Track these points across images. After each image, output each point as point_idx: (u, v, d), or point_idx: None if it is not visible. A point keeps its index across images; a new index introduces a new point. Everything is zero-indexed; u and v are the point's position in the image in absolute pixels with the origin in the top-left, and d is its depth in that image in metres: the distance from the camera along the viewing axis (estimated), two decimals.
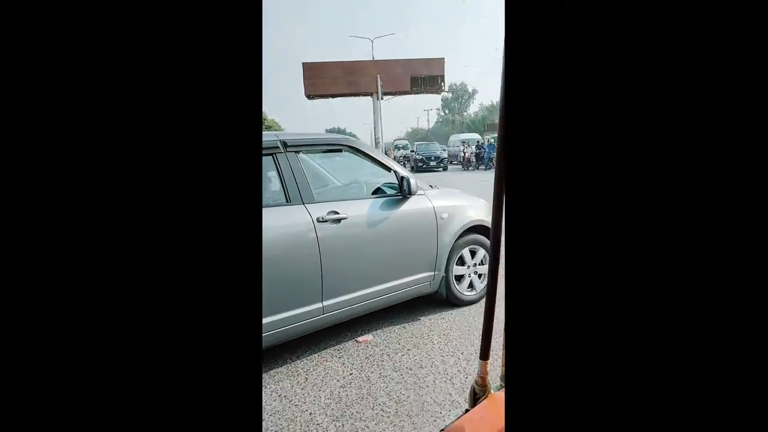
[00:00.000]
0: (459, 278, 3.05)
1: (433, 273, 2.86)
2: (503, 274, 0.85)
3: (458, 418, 0.95)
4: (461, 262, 3.03)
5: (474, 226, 3.01)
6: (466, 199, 3.14)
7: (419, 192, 2.83)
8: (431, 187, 3.03)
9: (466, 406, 1.04)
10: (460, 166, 20.58)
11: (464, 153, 20.29)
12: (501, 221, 0.88)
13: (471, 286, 3.12)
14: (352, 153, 2.77)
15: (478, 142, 20.63)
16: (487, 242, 3.08)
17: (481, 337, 1.02)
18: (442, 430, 0.91)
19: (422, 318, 2.98)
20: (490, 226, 2.99)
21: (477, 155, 19.44)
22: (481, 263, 3.12)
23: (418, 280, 2.80)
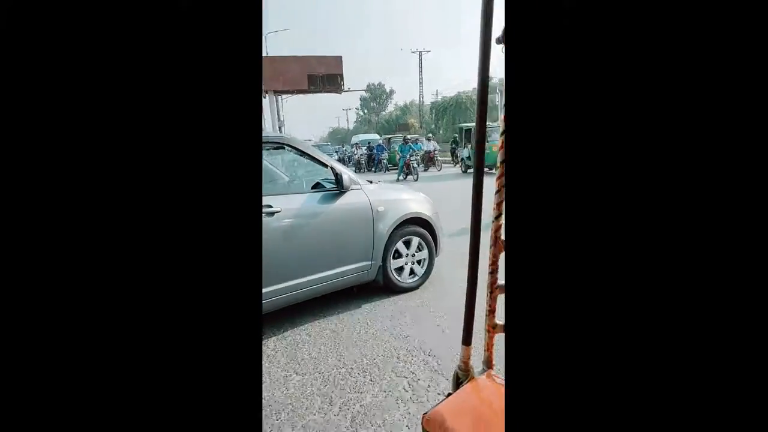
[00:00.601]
0: (398, 267, 3.31)
1: (370, 262, 3.07)
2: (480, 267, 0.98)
3: (441, 402, 0.97)
4: (399, 252, 3.29)
5: (412, 218, 3.28)
6: (404, 193, 3.42)
7: (355, 187, 3.03)
8: (369, 182, 3.25)
9: (449, 390, 1.08)
10: (354, 169, 20.46)
11: (355, 155, 19.89)
12: (479, 216, 0.96)
13: (410, 273, 3.39)
14: (291, 150, 2.86)
15: (369, 143, 20.05)
16: (424, 233, 3.37)
17: (463, 324, 1.05)
18: (425, 413, 0.93)
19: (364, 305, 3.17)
20: (427, 218, 3.24)
21: (368, 157, 18.91)
22: (418, 250, 3.40)
23: (354, 269, 3.01)
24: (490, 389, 0.98)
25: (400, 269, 3.32)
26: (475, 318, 1.07)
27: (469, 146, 14.17)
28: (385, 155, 17.70)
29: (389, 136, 21.96)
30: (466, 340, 1.05)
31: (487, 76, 0.92)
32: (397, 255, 3.29)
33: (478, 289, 1.04)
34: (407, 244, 3.32)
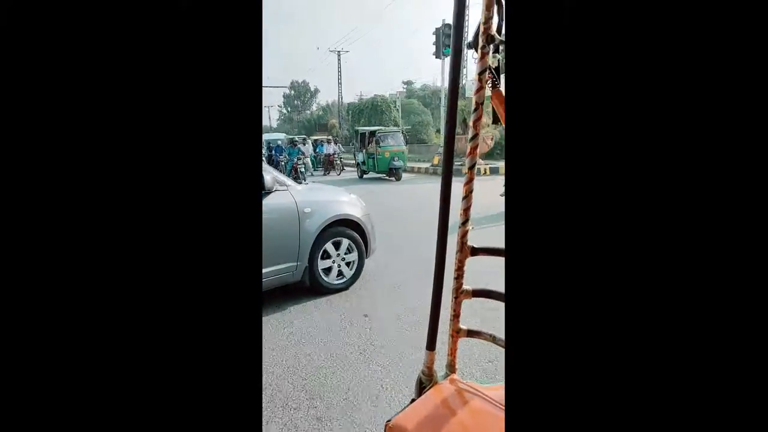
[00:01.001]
0: (326, 268, 3.26)
1: (295, 263, 3.01)
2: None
3: (404, 408, 0.94)
4: (327, 253, 3.25)
5: (341, 220, 3.26)
6: (333, 195, 3.40)
7: (281, 188, 2.97)
8: (298, 183, 3.18)
9: (413, 396, 1.04)
10: None
11: None
12: (446, 221, 0.94)
13: (339, 274, 3.35)
14: None
15: (268, 143, 18.91)
16: (354, 234, 3.34)
17: (428, 328, 1.03)
18: (388, 421, 0.90)
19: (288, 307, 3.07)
20: (357, 220, 3.25)
21: (268, 158, 17.57)
22: (347, 252, 3.37)
23: (279, 270, 2.94)
24: (454, 395, 0.97)
25: (328, 270, 3.28)
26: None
27: (365, 151, 13.86)
28: (284, 157, 17.14)
29: (292, 137, 21.37)
30: (431, 345, 1.04)
31: (458, 81, 0.90)
32: (326, 256, 3.25)
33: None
34: (336, 245, 3.29)
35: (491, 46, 0.82)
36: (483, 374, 2.13)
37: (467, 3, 0.86)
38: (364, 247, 3.46)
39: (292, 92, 51.95)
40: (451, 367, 1.05)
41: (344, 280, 3.39)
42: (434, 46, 14.92)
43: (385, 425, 0.91)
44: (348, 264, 3.41)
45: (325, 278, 3.26)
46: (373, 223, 3.59)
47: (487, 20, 0.80)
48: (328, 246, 3.24)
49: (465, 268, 0.97)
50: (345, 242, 3.34)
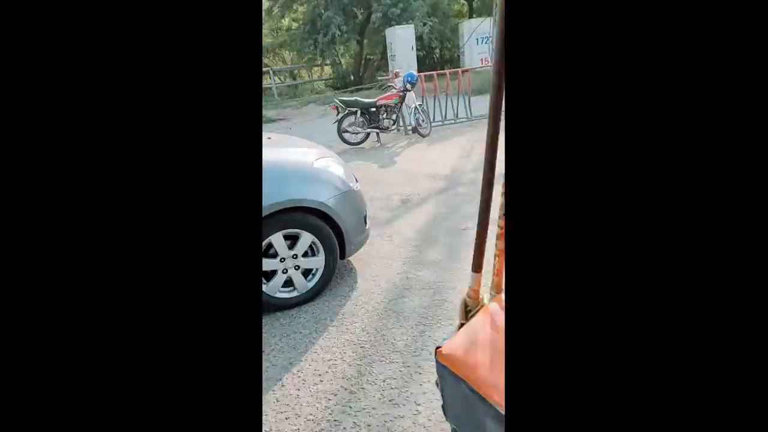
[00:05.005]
0: (270, 275, 2.08)
1: None
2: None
3: (454, 334, 0.96)
4: (271, 253, 2.05)
5: (296, 208, 2.01)
6: (286, 163, 2.12)
7: None
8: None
9: (460, 321, 1.06)
10: None
11: None
12: (496, 144, 0.89)
13: (287, 284, 2.14)
14: None
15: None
16: (318, 224, 2.09)
17: (474, 250, 1.01)
18: (439, 347, 0.92)
19: None
20: (320, 207, 1.94)
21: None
22: (306, 254, 2.10)
23: None
24: (503, 316, 0.91)
25: (272, 277, 2.08)
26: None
27: None
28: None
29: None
30: (477, 266, 1.01)
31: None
32: (270, 257, 2.06)
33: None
34: (293, 240, 2.07)
35: None
36: None
37: None
38: (337, 248, 2.14)
39: None
40: (498, 288, 1.03)
41: (294, 294, 2.13)
42: None
43: (436, 351, 0.92)
44: (306, 273, 2.11)
45: (269, 290, 2.07)
46: (360, 204, 2.24)
47: None
48: (275, 239, 2.00)
49: None
50: (306, 238, 2.07)
